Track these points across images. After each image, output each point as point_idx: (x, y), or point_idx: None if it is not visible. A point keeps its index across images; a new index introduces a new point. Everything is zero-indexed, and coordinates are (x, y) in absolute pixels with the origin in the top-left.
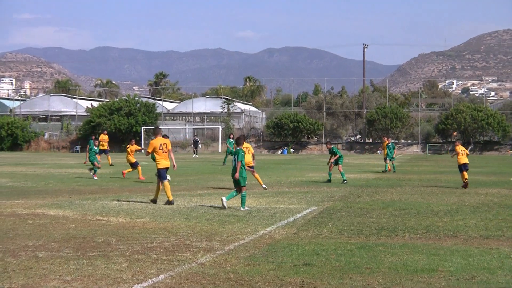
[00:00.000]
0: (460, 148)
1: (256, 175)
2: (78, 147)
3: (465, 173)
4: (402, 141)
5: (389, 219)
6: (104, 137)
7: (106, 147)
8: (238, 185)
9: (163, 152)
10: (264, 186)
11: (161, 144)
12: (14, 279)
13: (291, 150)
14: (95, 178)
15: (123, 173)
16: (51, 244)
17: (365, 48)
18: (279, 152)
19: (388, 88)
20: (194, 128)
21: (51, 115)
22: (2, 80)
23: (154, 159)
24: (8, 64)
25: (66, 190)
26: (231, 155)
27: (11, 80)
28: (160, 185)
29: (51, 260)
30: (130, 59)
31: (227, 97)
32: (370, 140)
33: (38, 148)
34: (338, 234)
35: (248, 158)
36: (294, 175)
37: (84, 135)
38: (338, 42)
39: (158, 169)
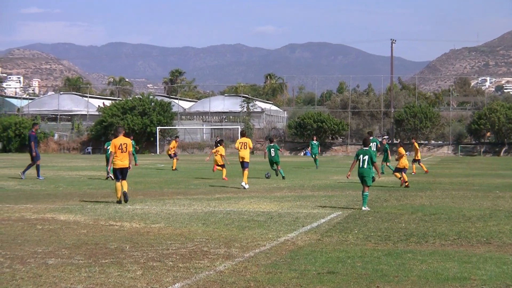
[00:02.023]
0: (403, 151)
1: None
2: (90, 149)
3: (404, 174)
4: (432, 142)
5: (419, 225)
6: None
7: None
8: (365, 184)
9: (121, 152)
10: (243, 184)
11: (121, 144)
12: (22, 287)
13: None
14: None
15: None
16: (61, 251)
17: (393, 44)
18: (302, 153)
19: (417, 86)
20: (212, 128)
21: (61, 115)
22: (9, 77)
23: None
24: (16, 60)
25: (77, 194)
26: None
27: (18, 78)
28: (117, 183)
29: (62, 267)
30: (144, 56)
31: (246, 95)
32: (398, 141)
33: (47, 149)
34: (365, 241)
35: (245, 153)
36: (318, 178)
37: (95, 136)
38: (364, 37)
39: (113, 169)
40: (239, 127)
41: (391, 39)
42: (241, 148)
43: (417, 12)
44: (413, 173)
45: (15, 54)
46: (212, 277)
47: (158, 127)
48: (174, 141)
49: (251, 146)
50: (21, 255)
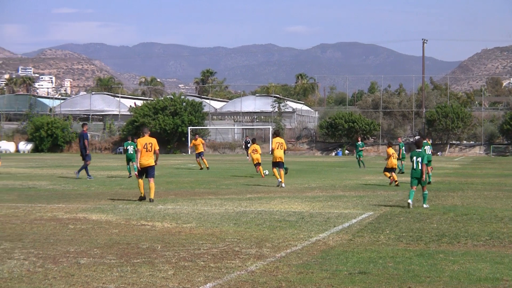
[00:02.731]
0: (391, 151)
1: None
2: (121, 148)
3: (394, 174)
4: (464, 142)
5: (450, 225)
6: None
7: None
8: (422, 184)
9: (147, 151)
10: (283, 185)
11: (146, 143)
12: (55, 287)
13: (346, 151)
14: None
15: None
16: (93, 250)
17: (424, 43)
18: (333, 153)
19: (449, 86)
20: (243, 128)
21: (92, 115)
22: (42, 78)
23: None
24: (48, 61)
25: (108, 194)
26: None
27: (50, 78)
28: (140, 180)
29: (94, 267)
30: (176, 56)
31: (277, 95)
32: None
33: (79, 149)
34: (396, 241)
35: (281, 154)
36: (349, 178)
37: (127, 136)
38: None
39: (139, 168)
40: (270, 127)
41: (422, 39)
42: (277, 148)
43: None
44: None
45: (47, 55)
46: (244, 277)
47: (189, 127)
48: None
49: (286, 147)
50: (54, 254)
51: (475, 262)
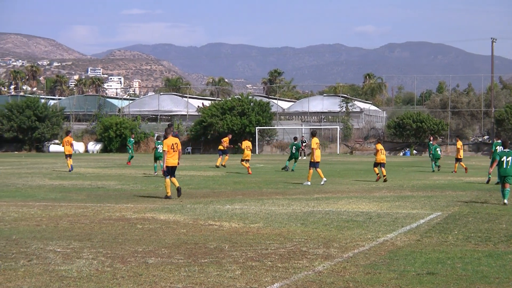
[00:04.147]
0: (380, 146)
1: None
2: (189, 149)
3: (383, 169)
4: None
5: None
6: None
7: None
8: (507, 182)
9: (173, 151)
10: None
11: (173, 144)
12: (123, 286)
13: (414, 151)
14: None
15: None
16: (161, 250)
17: (493, 43)
18: (401, 153)
19: None
20: (310, 128)
21: (161, 115)
22: (111, 78)
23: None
24: (117, 62)
25: (176, 194)
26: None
27: (119, 79)
28: (167, 180)
29: (162, 266)
30: (243, 56)
31: (345, 95)
32: (499, 141)
33: (147, 149)
34: (465, 241)
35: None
36: (417, 178)
37: (195, 136)
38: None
39: (166, 167)
40: (337, 127)
41: (491, 38)
42: (317, 148)
43: None
44: (453, 172)
45: (116, 55)
46: (311, 277)
47: (257, 127)
48: (227, 138)
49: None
50: (122, 254)
51: None
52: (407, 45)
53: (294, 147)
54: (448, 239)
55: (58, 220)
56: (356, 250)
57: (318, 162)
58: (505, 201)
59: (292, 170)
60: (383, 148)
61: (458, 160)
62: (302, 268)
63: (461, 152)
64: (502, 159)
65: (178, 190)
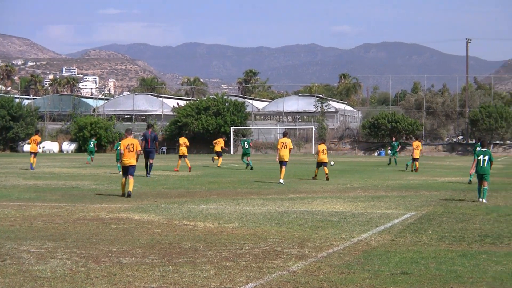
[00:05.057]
0: (322, 147)
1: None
2: (164, 148)
3: (325, 168)
4: (508, 142)
5: (493, 226)
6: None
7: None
8: (484, 180)
9: (129, 152)
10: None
11: (128, 144)
12: (97, 286)
13: (389, 151)
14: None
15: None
16: (135, 250)
17: (468, 43)
18: (376, 153)
19: (493, 86)
20: (285, 129)
21: (136, 115)
22: (85, 78)
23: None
24: (92, 61)
25: (151, 194)
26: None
27: (94, 79)
28: (123, 179)
29: (136, 266)
30: (219, 56)
31: (320, 95)
32: (473, 141)
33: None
34: (439, 241)
35: (285, 153)
36: (392, 178)
37: (170, 136)
38: (439, 37)
39: (122, 166)
40: (313, 127)
41: (466, 38)
42: (281, 148)
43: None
44: (412, 170)
45: (91, 55)
46: (285, 277)
47: (232, 127)
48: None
49: (291, 146)
50: (96, 254)
51: None
52: (382, 46)
53: (246, 142)
54: (422, 239)
55: (32, 220)
56: (330, 250)
57: (282, 161)
58: (484, 200)
59: (249, 166)
60: (325, 148)
61: (414, 159)
62: (276, 268)
63: (417, 152)
64: (479, 158)
65: (128, 194)
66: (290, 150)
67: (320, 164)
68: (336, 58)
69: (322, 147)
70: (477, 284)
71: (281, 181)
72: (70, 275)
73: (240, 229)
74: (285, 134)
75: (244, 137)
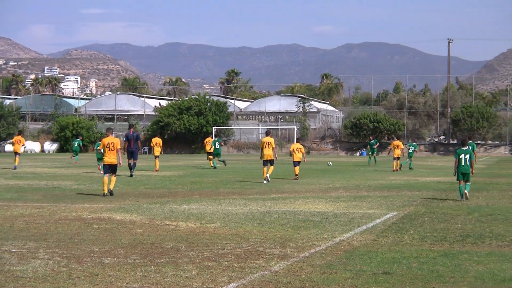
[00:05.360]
0: (296, 146)
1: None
2: (146, 148)
3: (297, 168)
4: (489, 142)
5: (475, 225)
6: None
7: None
8: (466, 179)
9: (109, 150)
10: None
11: (109, 143)
12: (79, 286)
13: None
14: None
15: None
16: (117, 250)
17: (450, 43)
18: (358, 153)
19: (474, 86)
20: (267, 128)
21: (117, 115)
22: (67, 78)
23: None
24: (73, 61)
25: (133, 194)
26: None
27: (76, 78)
28: (105, 178)
29: (118, 266)
30: (201, 56)
31: (302, 95)
32: (455, 141)
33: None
34: (420, 241)
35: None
36: (374, 178)
37: (152, 136)
38: (421, 37)
39: (104, 165)
40: (295, 127)
41: (448, 39)
42: (265, 147)
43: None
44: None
45: (73, 55)
46: (267, 277)
47: (214, 127)
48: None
49: (274, 145)
50: (78, 254)
51: (500, 263)
52: (364, 46)
53: (217, 142)
54: (404, 239)
55: (13, 220)
56: (312, 250)
57: (266, 160)
58: (466, 191)
59: (215, 167)
60: (300, 147)
61: (395, 158)
62: (258, 268)
63: (397, 151)
64: (461, 157)
65: (110, 192)
66: (273, 149)
67: (298, 163)
68: (318, 58)
69: (295, 146)
70: (459, 284)
71: (267, 176)
72: (52, 275)
73: (222, 229)
74: (268, 133)
75: (215, 137)
